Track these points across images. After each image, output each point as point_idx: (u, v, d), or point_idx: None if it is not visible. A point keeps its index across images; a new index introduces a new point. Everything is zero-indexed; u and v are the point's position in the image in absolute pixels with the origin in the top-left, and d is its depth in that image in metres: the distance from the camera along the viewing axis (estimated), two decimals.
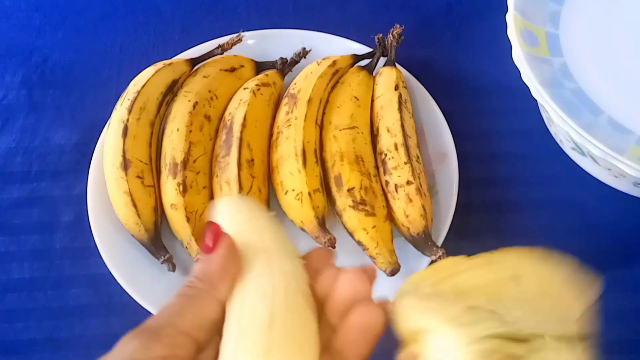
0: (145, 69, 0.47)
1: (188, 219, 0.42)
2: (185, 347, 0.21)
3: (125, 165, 0.42)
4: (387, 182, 0.43)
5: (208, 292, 0.22)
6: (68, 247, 0.46)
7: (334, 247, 0.41)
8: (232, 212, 0.25)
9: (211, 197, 0.44)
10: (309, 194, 0.42)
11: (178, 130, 0.44)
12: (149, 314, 0.40)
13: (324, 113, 0.47)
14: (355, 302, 0.23)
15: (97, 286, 0.44)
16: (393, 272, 0.41)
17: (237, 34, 0.50)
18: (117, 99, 0.46)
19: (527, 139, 0.50)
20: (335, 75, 0.49)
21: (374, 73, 0.50)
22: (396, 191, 0.42)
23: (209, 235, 0.23)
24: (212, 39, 0.51)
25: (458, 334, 0.21)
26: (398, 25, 0.49)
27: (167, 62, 0.48)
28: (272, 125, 0.47)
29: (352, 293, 0.23)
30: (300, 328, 0.22)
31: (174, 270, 0.42)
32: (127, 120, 0.44)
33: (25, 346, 0.42)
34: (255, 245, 0.24)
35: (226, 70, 0.49)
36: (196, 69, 0.49)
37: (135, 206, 0.42)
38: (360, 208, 0.42)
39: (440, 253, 0.40)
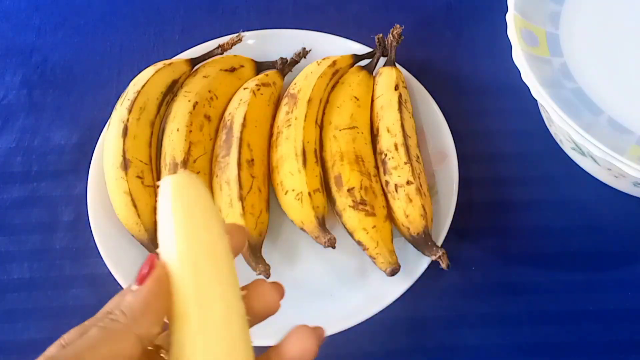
0: (145, 69, 0.47)
1: None
2: None
3: (125, 165, 0.42)
4: (387, 182, 0.43)
5: (128, 327, 0.21)
6: (68, 247, 0.46)
7: (334, 247, 0.41)
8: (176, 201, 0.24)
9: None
10: (309, 194, 0.42)
11: (178, 130, 0.44)
12: None
13: (324, 113, 0.47)
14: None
15: (97, 286, 0.44)
16: (393, 272, 0.41)
17: (237, 34, 0.50)
18: (117, 99, 0.46)
19: (527, 139, 0.50)
20: (335, 75, 0.49)
21: (374, 73, 0.50)
22: (396, 191, 0.42)
23: (145, 264, 0.23)
24: (212, 39, 0.51)
25: None
26: (398, 25, 0.49)
27: (167, 62, 0.48)
28: (272, 125, 0.47)
29: (300, 352, 0.24)
30: None
31: None
32: (127, 120, 0.44)
33: (25, 346, 0.42)
34: (188, 267, 0.23)
35: (226, 70, 0.49)
36: (196, 69, 0.49)
37: (135, 206, 0.42)
38: (360, 208, 0.42)
39: (440, 253, 0.40)
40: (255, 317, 0.24)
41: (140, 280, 0.22)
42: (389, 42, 0.49)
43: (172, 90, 0.47)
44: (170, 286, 0.22)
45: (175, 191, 0.24)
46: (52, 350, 0.21)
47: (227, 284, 0.23)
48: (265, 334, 0.40)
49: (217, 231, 0.24)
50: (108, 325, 0.21)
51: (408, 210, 0.42)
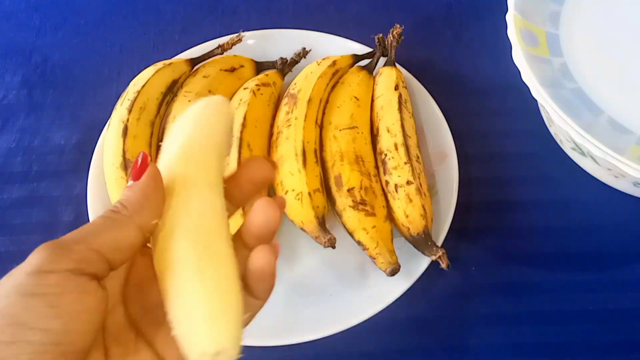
0: (145, 69, 0.47)
1: None
2: (94, 264, 0.21)
3: (125, 165, 0.42)
4: (387, 182, 0.43)
5: (129, 217, 0.23)
6: None
7: (334, 247, 0.41)
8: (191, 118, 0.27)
9: None
10: (309, 194, 0.42)
11: None
12: None
13: (324, 113, 0.47)
14: (267, 229, 0.25)
15: None
16: (393, 272, 0.41)
17: (237, 34, 0.50)
18: (117, 99, 0.46)
19: (527, 139, 0.50)
20: (335, 75, 0.49)
21: (374, 73, 0.50)
22: (396, 191, 0.42)
23: (138, 163, 0.24)
24: (212, 39, 0.51)
25: None
26: (398, 25, 0.49)
27: (167, 62, 0.48)
28: (272, 125, 0.47)
29: (264, 220, 0.25)
30: (219, 263, 0.23)
31: None
32: (127, 120, 0.44)
33: None
34: (183, 174, 0.25)
35: (226, 70, 0.49)
36: (196, 69, 0.49)
37: None
38: (360, 208, 0.42)
39: (440, 253, 0.40)
40: (257, 233, 0.25)
41: (136, 175, 0.24)
42: (389, 42, 0.49)
43: (172, 90, 0.47)
44: (162, 182, 0.24)
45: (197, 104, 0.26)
46: (62, 237, 0.22)
47: (210, 181, 0.25)
48: (265, 334, 0.40)
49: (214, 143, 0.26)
50: (111, 215, 0.23)
51: (408, 210, 0.42)
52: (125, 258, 0.23)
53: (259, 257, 0.24)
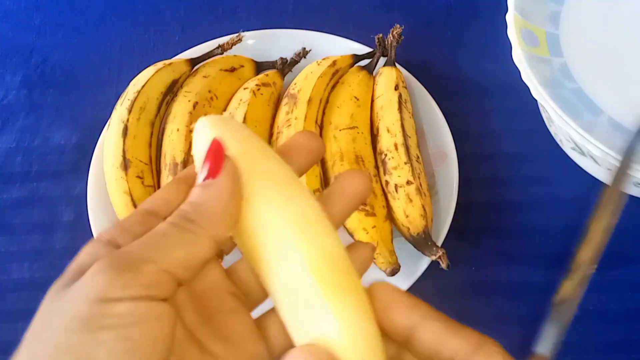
0: (145, 69, 0.47)
1: None
2: (165, 287, 0.18)
3: (125, 165, 0.42)
4: (387, 182, 0.43)
5: (203, 229, 0.19)
6: (68, 247, 0.46)
7: None
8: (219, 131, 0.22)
9: None
10: None
11: (178, 130, 0.44)
12: None
13: (324, 113, 0.47)
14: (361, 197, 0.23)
15: None
16: (393, 272, 0.41)
17: (237, 34, 0.50)
18: (117, 99, 0.46)
19: (527, 139, 0.50)
20: (335, 75, 0.49)
21: (374, 73, 0.50)
22: (396, 191, 0.42)
23: (211, 155, 0.20)
24: (212, 39, 0.51)
25: None
26: (398, 25, 0.49)
27: (167, 62, 0.48)
28: (272, 125, 0.47)
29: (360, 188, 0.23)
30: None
31: None
32: (127, 120, 0.44)
33: None
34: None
35: (226, 70, 0.49)
36: (196, 69, 0.49)
37: (135, 206, 0.42)
38: (360, 208, 0.42)
39: (440, 253, 0.40)
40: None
41: (212, 171, 0.20)
42: (389, 42, 0.49)
43: (172, 90, 0.47)
44: (241, 185, 0.20)
45: (214, 121, 0.23)
46: (124, 250, 0.19)
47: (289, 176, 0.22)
48: None
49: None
50: (183, 225, 0.19)
51: (408, 210, 0.42)
52: (195, 275, 0.20)
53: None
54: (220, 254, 0.23)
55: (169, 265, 0.19)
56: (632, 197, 0.47)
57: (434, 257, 0.41)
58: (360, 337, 0.19)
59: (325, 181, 0.44)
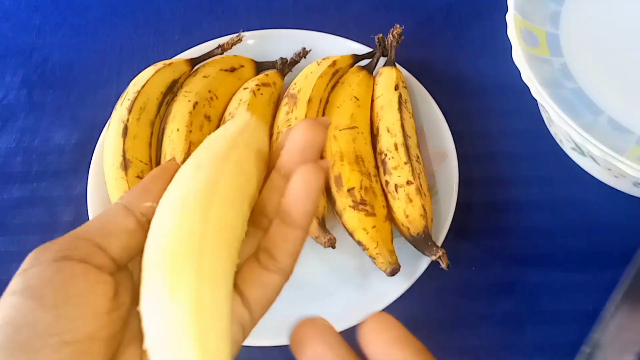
0: (145, 69, 0.47)
1: None
2: (81, 249, 0.20)
3: (125, 165, 0.42)
4: (387, 182, 0.43)
5: (121, 204, 0.22)
6: None
7: (334, 247, 0.41)
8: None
9: None
10: None
11: (178, 130, 0.44)
12: None
13: (324, 113, 0.47)
14: (307, 152, 0.23)
15: None
16: (393, 272, 0.41)
17: (237, 34, 0.50)
18: (117, 99, 0.46)
19: (527, 139, 0.50)
20: (335, 75, 0.49)
21: (374, 73, 0.50)
22: (396, 191, 0.42)
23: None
24: (212, 39, 0.51)
25: None
26: (398, 25, 0.49)
27: (167, 62, 0.48)
28: (272, 125, 0.47)
29: (304, 142, 0.23)
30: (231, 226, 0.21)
31: None
32: (127, 120, 0.44)
33: None
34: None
35: (226, 70, 0.49)
36: (196, 69, 0.49)
37: None
38: (360, 208, 0.42)
39: (440, 253, 0.40)
40: None
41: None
42: (389, 42, 0.49)
43: (172, 90, 0.47)
44: (163, 172, 0.23)
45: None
46: None
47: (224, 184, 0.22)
48: (265, 334, 0.40)
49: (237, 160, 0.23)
50: (107, 210, 0.22)
51: (408, 210, 0.42)
52: (124, 243, 0.21)
53: (304, 172, 0.21)
54: None
55: (82, 232, 0.21)
56: (632, 197, 0.47)
57: (434, 257, 0.41)
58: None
59: (325, 181, 0.44)
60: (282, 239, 0.22)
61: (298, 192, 0.21)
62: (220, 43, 0.49)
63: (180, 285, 0.19)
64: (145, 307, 0.20)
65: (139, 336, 0.21)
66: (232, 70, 0.49)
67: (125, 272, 0.22)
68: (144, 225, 0.22)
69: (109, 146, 0.44)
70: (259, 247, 0.23)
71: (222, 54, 0.49)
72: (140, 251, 0.21)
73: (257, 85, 0.47)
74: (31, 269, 0.19)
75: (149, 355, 0.19)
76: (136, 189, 0.22)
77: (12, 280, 0.19)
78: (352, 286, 0.43)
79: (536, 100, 0.42)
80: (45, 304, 0.18)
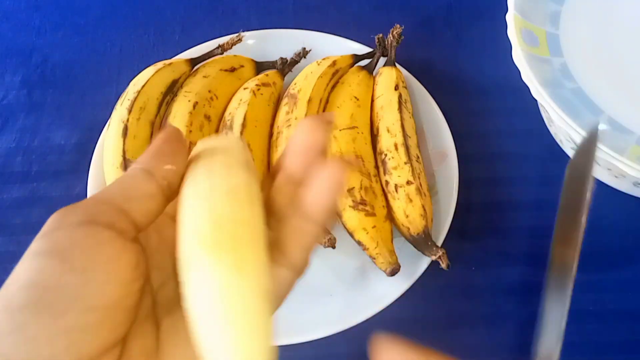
0: (145, 69, 0.47)
1: None
2: (106, 214, 0.20)
3: (125, 165, 0.42)
4: (387, 182, 0.43)
5: (140, 167, 0.21)
6: None
7: (334, 247, 0.41)
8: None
9: None
10: None
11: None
12: None
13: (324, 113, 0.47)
14: (309, 152, 0.22)
15: None
16: (393, 272, 0.41)
17: (237, 34, 0.50)
18: (117, 99, 0.46)
19: (527, 139, 0.50)
20: (335, 75, 0.49)
21: (374, 73, 0.50)
22: (396, 191, 0.42)
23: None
24: (212, 39, 0.51)
25: None
26: (398, 25, 0.49)
27: (167, 62, 0.48)
28: (272, 125, 0.47)
29: (306, 143, 0.23)
30: (244, 223, 0.21)
31: None
32: (127, 120, 0.44)
33: None
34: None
35: (226, 70, 0.49)
36: (196, 69, 0.49)
37: None
38: (360, 208, 0.42)
39: (440, 253, 0.40)
40: None
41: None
42: (389, 42, 0.49)
43: (172, 90, 0.47)
44: (179, 135, 0.23)
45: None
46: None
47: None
48: None
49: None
50: (123, 174, 0.22)
51: (408, 210, 0.42)
52: (146, 208, 0.21)
53: (330, 168, 0.21)
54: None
55: (104, 195, 0.20)
56: (632, 197, 0.47)
57: (434, 257, 0.41)
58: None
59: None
60: (296, 233, 0.22)
61: (321, 187, 0.21)
62: (220, 43, 0.49)
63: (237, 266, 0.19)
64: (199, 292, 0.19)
65: (152, 315, 0.21)
66: (232, 70, 0.49)
67: (139, 243, 0.21)
68: (165, 190, 0.22)
69: (109, 146, 0.44)
70: (269, 243, 0.23)
71: (222, 54, 0.49)
72: (158, 215, 0.22)
73: (257, 85, 0.47)
74: (57, 231, 0.19)
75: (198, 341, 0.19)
76: (151, 153, 0.22)
77: (34, 242, 0.19)
78: (352, 286, 0.43)
79: (536, 100, 0.42)
80: (74, 267, 0.18)
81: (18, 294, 0.18)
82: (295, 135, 0.23)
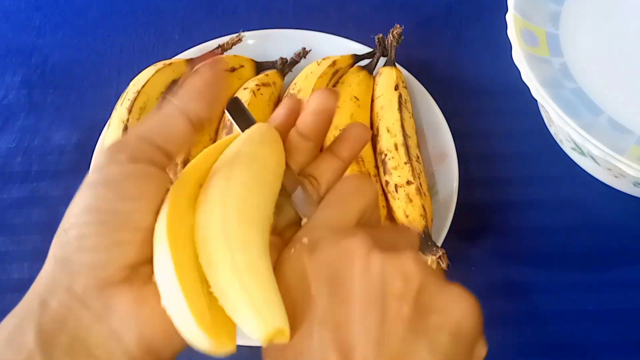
0: (145, 69, 0.47)
1: None
2: (147, 152, 0.23)
3: None
4: (387, 182, 0.43)
5: (175, 106, 0.24)
6: None
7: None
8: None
9: None
10: None
11: None
12: None
13: None
14: (320, 115, 0.27)
15: None
16: None
17: (237, 34, 0.50)
18: (117, 99, 0.46)
19: (527, 139, 0.50)
20: (335, 75, 0.49)
21: (374, 73, 0.50)
22: (396, 191, 0.42)
23: (207, 58, 0.25)
24: (212, 39, 0.51)
25: None
26: (398, 25, 0.49)
27: (167, 62, 0.48)
28: None
29: (317, 106, 0.27)
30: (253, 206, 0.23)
31: None
32: (127, 120, 0.44)
33: None
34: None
35: (226, 70, 0.49)
36: (196, 69, 0.49)
37: None
38: None
39: (441, 253, 0.40)
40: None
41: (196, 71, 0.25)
42: (389, 42, 0.49)
43: (172, 90, 0.47)
44: (221, 77, 0.25)
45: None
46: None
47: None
48: None
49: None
50: (161, 107, 0.24)
51: (408, 210, 0.42)
52: (180, 147, 0.24)
53: (319, 95, 0.26)
54: None
55: (145, 132, 0.23)
56: (632, 197, 0.47)
57: (434, 257, 0.41)
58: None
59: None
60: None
61: (310, 110, 0.26)
62: (220, 43, 0.49)
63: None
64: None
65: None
66: (232, 70, 0.49)
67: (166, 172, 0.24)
68: (197, 129, 0.24)
69: None
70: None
71: (222, 54, 0.49)
72: (187, 149, 0.25)
73: (257, 85, 0.47)
74: (109, 166, 0.22)
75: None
76: (190, 93, 0.24)
77: (91, 174, 0.23)
78: None
79: (536, 100, 0.42)
80: (125, 196, 0.22)
81: (81, 214, 0.22)
82: (309, 101, 0.27)
